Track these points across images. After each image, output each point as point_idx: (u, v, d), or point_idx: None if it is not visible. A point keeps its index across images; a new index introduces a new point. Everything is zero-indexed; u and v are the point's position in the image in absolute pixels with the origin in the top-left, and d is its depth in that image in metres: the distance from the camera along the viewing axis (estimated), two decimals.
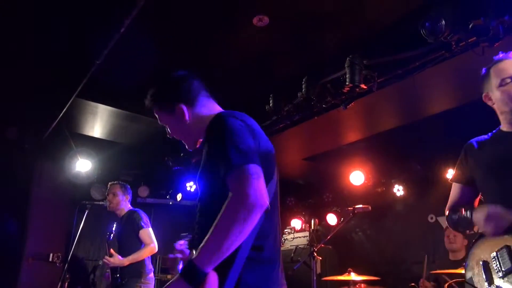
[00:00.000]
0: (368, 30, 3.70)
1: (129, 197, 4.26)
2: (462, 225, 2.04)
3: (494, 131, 2.08)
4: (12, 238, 5.51)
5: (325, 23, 3.64)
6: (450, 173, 5.24)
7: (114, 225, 4.11)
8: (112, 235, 4.04)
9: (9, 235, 5.31)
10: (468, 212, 1.98)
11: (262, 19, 3.57)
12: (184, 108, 1.74)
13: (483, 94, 2.07)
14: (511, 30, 2.80)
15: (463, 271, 3.49)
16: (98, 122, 5.18)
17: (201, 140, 1.83)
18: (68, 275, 4.24)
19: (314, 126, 4.86)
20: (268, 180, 1.60)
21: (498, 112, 2.03)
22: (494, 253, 1.81)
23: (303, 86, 4.04)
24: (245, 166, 1.41)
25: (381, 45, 3.71)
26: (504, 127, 2.04)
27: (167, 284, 1.37)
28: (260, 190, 1.37)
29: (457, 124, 4.87)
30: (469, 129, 4.68)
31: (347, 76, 3.56)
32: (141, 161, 6.46)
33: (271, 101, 4.40)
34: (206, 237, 1.33)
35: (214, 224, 1.34)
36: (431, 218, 5.82)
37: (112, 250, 3.82)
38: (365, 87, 3.66)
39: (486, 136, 2.11)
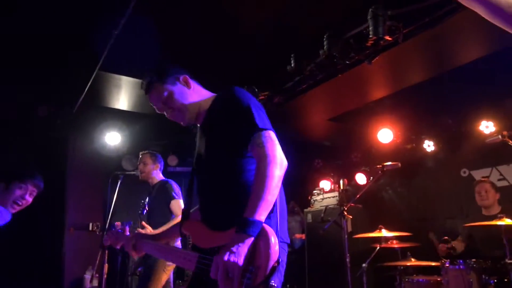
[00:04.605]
0: None
1: (159, 166, 4.25)
2: None
3: None
4: (53, 211, 5.78)
5: None
6: (483, 125, 5.05)
7: (147, 198, 4.13)
8: (145, 209, 4.03)
9: (50, 208, 5.56)
10: None
11: None
12: (188, 77, 1.94)
13: None
14: None
15: (498, 223, 3.45)
16: (123, 94, 5.23)
17: (201, 114, 1.93)
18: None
19: (338, 85, 4.74)
20: None
21: None
22: None
23: (325, 43, 3.90)
24: (270, 131, 1.60)
25: None
26: None
27: (226, 246, 1.43)
28: (282, 153, 1.58)
29: (491, 72, 4.63)
30: (503, 77, 4.50)
31: (370, 28, 3.40)
32: (169, 131, 6.54)
33: (292, 62, 4.29)
34: (252, 194, 1.49)
35: (255, 181, 1.51)
36: (464, 172, 5.68)
37: (144, 223, 3.80)
38: (390, 39, 3.50)
39: None
